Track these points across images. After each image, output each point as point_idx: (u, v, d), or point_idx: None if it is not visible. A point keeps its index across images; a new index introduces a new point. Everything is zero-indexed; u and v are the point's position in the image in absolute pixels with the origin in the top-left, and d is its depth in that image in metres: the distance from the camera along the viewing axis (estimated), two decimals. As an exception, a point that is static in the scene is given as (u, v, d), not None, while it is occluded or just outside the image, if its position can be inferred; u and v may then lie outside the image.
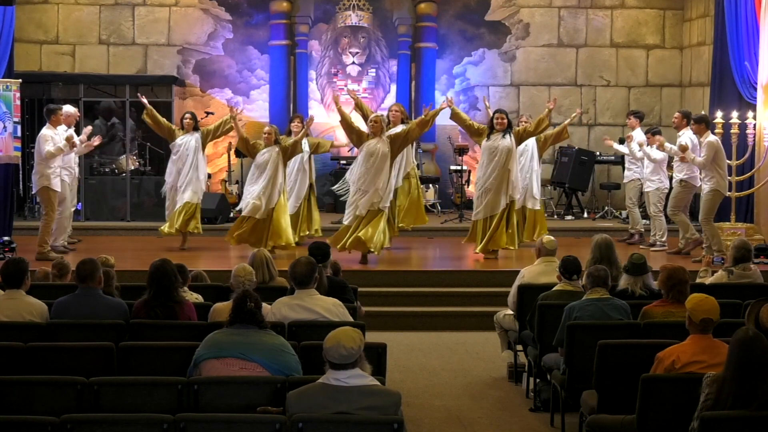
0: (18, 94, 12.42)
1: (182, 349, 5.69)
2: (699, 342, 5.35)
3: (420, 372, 8.63)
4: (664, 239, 12.63)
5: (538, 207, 12.87)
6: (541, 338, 7.20)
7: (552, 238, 8.59)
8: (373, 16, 16.49)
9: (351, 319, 6.51)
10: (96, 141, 12.69)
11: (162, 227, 12.54)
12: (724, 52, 13.62)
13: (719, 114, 12.72)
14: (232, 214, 14.61)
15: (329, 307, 6.39)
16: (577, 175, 15.54)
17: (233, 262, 9.97)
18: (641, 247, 12.55)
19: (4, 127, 12.10)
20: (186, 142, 12.39)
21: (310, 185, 12.85)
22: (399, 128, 11.89)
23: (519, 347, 8.18)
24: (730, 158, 12.67)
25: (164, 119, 12.72)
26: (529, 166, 12.68)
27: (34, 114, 14.33)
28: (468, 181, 15.97)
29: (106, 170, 15.10)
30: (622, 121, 16.07)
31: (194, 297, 7.13)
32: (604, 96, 16.61)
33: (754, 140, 12.74)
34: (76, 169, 12.50)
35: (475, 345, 9.55)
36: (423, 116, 11.48)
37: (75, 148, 12.00)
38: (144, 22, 16.11)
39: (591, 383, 6.08)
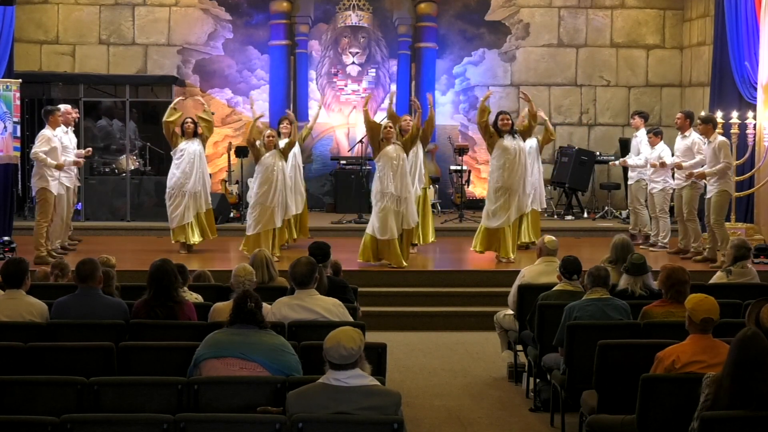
0: (18, 94, 12.42)
1: (182, 349, 5.69)
2: (699, 342, 5.36)
3: (420, 372, 8.63)
4: (666, 240, 12.58)
5: (539, 208, 12.94)
6: (541, 338, 7.20)
7: (554, 238, 8.60)
8: (373, 16, 16.49)
9: (351, 319, 6.51)
10: (85, 153, 12.68)
11: (179, 236, 12.39)
12: (724, 52, 13.61)
13: (719, 114, 12.71)
14: (232, 215, 14.62)
15: (329, 307, 6.40)
16: (577, 175, 15.54)
17: (234, 262, 9.97)
18: (641, 246, 12.52)
19: (4, 127, 12.10)
20: (187, 147, 12.35)
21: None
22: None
23: (519, 347, 8.19)
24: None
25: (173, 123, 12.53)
26: (536, 167, 12.77)
27: (34, 114, 14.33)
28: (468, 181, 15.98)
29: (106, 170, 15.11)
30: (621, 121, 16.10)
31: (194, 297, 7.14)
32: (604, 96, 16.61)
33: (754, 140, 12.74)
34: (75, 170, 12.49)
35: (475, 345, 9.55)
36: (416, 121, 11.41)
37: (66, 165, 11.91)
38: (144, 22, 16.11)
39: (591, 383, 6.08)
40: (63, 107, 12.23)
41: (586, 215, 15.56)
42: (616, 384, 5.86)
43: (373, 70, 16.48)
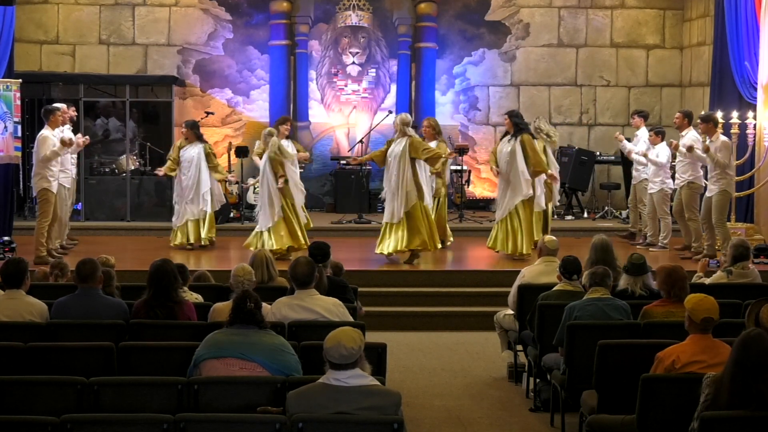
0: (18, 94, 12.42)
1: (182, 349, 5.69)
2: (699, 342, 5.36)
3: (420, 372, 8.63)
4: (666, 240, 12.53)
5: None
6: (541, 338, 7.20)
7: (554, 238, 8.61)
8: (373, 16, 16.49)
9: (351, 319, 6.51)
10: (83, 140, 12.64)
11: (179, 239, 12.64)
12: (724, 52, 13.61)
13: (719, 114, 12.71)
14: (232, 215, 14.62)
15: (329, 307, 6.40)
16: (577, 175, 15.54)
17: (233, 262, 9.97)
18: (638, 246, 12.50)
19: (5, 127, 12.10)
20: (187, 153, 12.60)
21: None
22: (433, 144, 12.12)
23: (519, 347, 8.18)
24: (729, 158, 12.68)
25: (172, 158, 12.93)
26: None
27: (34, 114, 14.32)
28: (468, 181, 15.98)
29: (106, 170, 15.10)
30: (622, 121, 16.09)
31: (194, 297, 7.14)
32: (604, 96, 16.61)
33: (754, 140, 12.74)
34: (74, 170, 12.48)
35: (475, 345, 9.55)
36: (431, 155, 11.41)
37: (71, 147, 11.96)
38: (144, 22, 16.11)
39: (591, 383, 6.08)
40: (62, 106, 12.23)
41: (586, 215, 15.56)
42: (616, 384, 5.85)
43: (373, 70, 16.48)
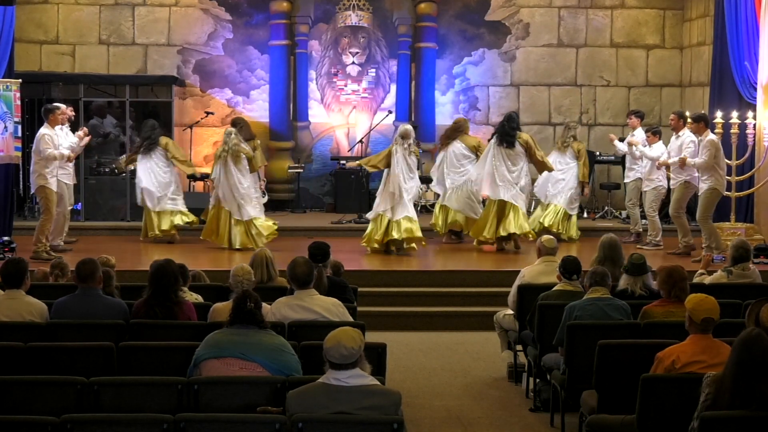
0: (18, 94, 12.42)
1: (182, 349, 5.69)
2: (699, 342, 5.36)
3: (420, 372, 8.63)
4: (658, 239, 12.59)
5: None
6: (541, 338, 7.20)
7: (551, 237, 8.62)
8: (373, 16, 16.49)
9: (351, 319, 6.51)
10: (85, 139, 12.65)
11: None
12: (723, 52, 13.61)
13: (719, 114, 12.72)
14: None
15: (329, 307, 6.40)
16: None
17: (233, 262, 9.97)
18: (637, 246, 12.52)
19: (5, 127, 12.10)
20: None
21: None
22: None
23: (519, 347, 8.18)
24: (730, 158, 12.68)
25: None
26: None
27: (34, 114, 14.32)
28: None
29: (106, 170, 15.09)
30: (622, 121, 16.06)
31: (194, 297, 7.13)
32: (604, 96, 16.61)
33: (754, 140, 12.74)
34: (72, 168, 12.48)
35: (475, 345, 9.55)
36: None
37: (76, 149, 12.06)
38: (144, 22, 16.11)
39: (591, 383, 6.08)
40: (62, 106, 12.24)
41: (586, 215, 15.55)
42: (616, 384, 5.85)
43: (373, 70, 16.48)
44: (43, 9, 15.94)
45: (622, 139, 13.48)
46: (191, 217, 13.21)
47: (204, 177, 15.62)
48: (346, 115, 16.52)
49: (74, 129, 12.71)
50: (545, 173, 13.09)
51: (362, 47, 16.41)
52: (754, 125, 12.68)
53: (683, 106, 15.94)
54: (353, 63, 16.41)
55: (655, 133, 12.65)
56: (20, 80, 12.75)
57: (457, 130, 13.17)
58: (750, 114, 12.69)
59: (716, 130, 12.63)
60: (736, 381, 4.65)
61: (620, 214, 15.06)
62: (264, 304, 5.74)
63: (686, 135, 12.03)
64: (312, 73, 16.48)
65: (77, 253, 11.84)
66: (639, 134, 12.95)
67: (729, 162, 12.68)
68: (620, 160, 15.35)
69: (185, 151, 15.10)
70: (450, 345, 9.62)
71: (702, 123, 11.71)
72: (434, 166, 13.30)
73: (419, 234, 12.04)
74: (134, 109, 15.39)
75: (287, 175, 16.25)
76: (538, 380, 7.54)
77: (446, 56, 16.46)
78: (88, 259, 6.76)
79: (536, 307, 7.23)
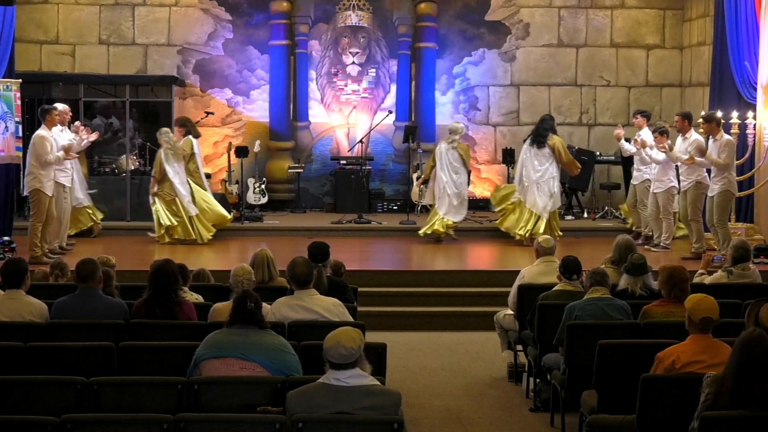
0: (18, 94, 12.41)
1: (182, 349, 5.69)
2: (699, 342, 5.36)
3: (420, 372, 8.63)
4: (669, 242, 12.44)
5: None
6: (541, 338, 7.20)
7: (549, 237, 8.63)
8: (373, 16, 16.49)
9: (351, 319, 6.51)
10: (92, 136, 12.65)
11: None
12: (723, 52, 13.60)
13: (719, 114, 12.70)
14: (232, 214, 14.59)
15: (329, 307, 6.40)
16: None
17: (234, 262, 9.96)
18: (646, 247, 12.44)
19: (6, 127, 12.09)
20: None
21: None
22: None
23: (519, 347, 8.18)
24: (730, 158, 12.68)
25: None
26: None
27: (34, 114, 14.29)
28: (468, 181, 15.95)
29: (106, 170, 15.10)
30: (622, 121, 16.05)
31: (194, 297, 7.13)
32: (604, 96, 16.61)
33: (754, 140, 12.73)
34: (72, 168, 12.45)
35: (475, 345, 9.55)
36: None
37: (76, 148, 12.03)
38: (144, 22, 16.12)
39: (591, 383, 6.08)
40: (61, 106, 12.22)
41: (586, 215, 15.55)
42: (616, 384, 5.85)
43: (373, 70, 16.48)
44: (43, 9, 15.95)
45: (627, 140, 13.34)
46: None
47: (205, 177, 15.62)
48: (346, 115, 16.52)
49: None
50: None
51: (362, 47, 16.42)
52: (755, 125, 12.67)
53: (683, 106, 15.94)
54: (353, 63, 16.42)
55: (662, 133, 12.34)
56: (20, 80, 12.74)
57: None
58: (750, 114, 12.68)
59: (721, 128, 12.61)
60: (737, 381, 4.65)
61: (620, 214, 15.04)
62: (264, 304, 5.74)
63: (694, 136, 11.90)
64: (312, 73, 16.48)
65: (77, 253, 11.85)
66: (645, 134, 12.79)
67: (729, 162, 12.68)
68: (620, 161, 15.34)
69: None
70: (450, 345, 9.62)
71: (714, 123, 11.62)
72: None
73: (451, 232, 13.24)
74: (134, 109, 15.39)
75: (287, 175, 16.26)
76: (538, 380, 7.54)
77: (446, 56, 16.47)
78: (88, 259, 6.76)
79: (536, 307, 7.23)
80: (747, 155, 12.85)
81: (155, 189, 13.04)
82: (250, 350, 5.30)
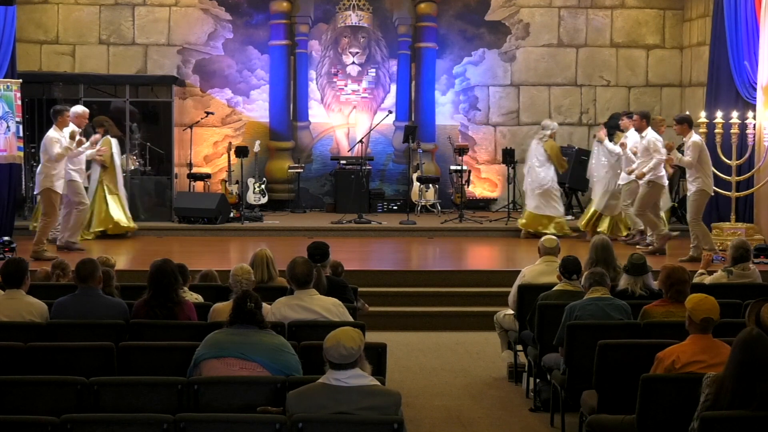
0: (19, 94, 12.42)
1: (182, 349, 5.69)
2: (699, 342, 5.36)
3: (420, 372, 8.63)
4: (653, 237, 12.47)
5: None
6: (541, 338, 7.20)
7: (553, 237, 8.60)
8: (373, 16, 16.49)
9: (351, 318, 6.51)
10: (101, 149, 12.74)
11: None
12: (722, 52, 13.58)
13: (719, 114, 12.71)
14: (232, 215, 14.61)
15: (329, 307, 6.40)
16: (577, 175, 15.49)
17: (234, 262, 9.96)
18: (638, 247, 12.47)
19: (8, 127, 12.09)
20: None
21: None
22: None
23: (519, 347, 8.18)
24: (729, 158, 12.68)
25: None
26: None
27: (34, 114, 14.33)
28: (468, 181, 15.98)
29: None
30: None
31: (194, 297, 7.13)
32: (604, 96, 16.61)
33: (754, 140, 12.73)
34: (84, 167, 12.47)
35: (475, 345, 9.54)
36: None
37: (83, 147, 11.98)
38: (144, 22, 16.11)
39: (591, 383, 6.07)
40: (80, 109, 12.11)
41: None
42: (616, 384, 5.85)
43: (373, 70, 16.48)
44: (43, 9, 15.95)
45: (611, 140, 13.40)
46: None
47: (205, 177, 15.65)
48: (346, 115, 16.52)
49: (86, 135, 12.67)
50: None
51: (362, 47, 16.42)
52: (754, 125, 12.67)
53: (683, 106, 15.95)
54: (353, 63, 16.42)
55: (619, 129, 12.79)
56: (20, 80, 12.74)
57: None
58: (750, 114, 12.68)
59: (716, 130, 12.63)
60: (738, 381, 4.65)
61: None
62: (264, 304, 5.74)
63: (650, 135, 12.10)
64: (312, 73, 16.48)
65: (79, 253, 11.85)
66: (632, 136, 12.82)
67: (729, 162, 12.68)
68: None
69: (185, 152, 15.14)
70: (450, 345, 9.62)
71: (686, 124, 11.69)
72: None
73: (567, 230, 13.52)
74: (135, 109, 15.38)
75: (287, 175, 16.26)
76: (538, 380, 7.54)
77: (446, 56, 16.47)
78: (87, 259, 6.77)
79: (536, 307, 7.23)
80: (747, 155, 12.85)
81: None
82: (250, 350, 5.30)
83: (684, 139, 11.77)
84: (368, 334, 5.76)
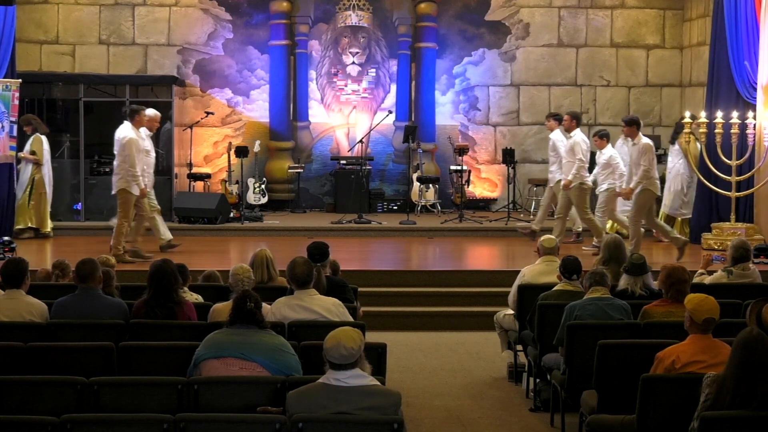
0: (17, 94, 12.43)
1: (182, 349, 5.68)
2: (699, 342, 5.36)
3: (420, 372, 8.63)
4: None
5: None
6: (541, 338, 7.20)
7: (552, 237, 8.61)
8: (373, 16, 16.50)
9: (351, 319, 6.51)
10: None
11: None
12: (722, 52, 13.57)
13: (719, 114, 12.71)
14: (232, 215, 14.61)
15: (329, 307, 6.40)
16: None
17: (233, 262, 9.96)
18: (584, 248, 12.51)
19: (2, 126, 12.10)
20: None
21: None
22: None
23: (519, 347, 8.18)
24: (730, 158, 12.67)
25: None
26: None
27: (34, 114, 14.31)
28: (468, 181, 15.98)
29: (107, 170, 15.07)
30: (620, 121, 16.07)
31: (194, 297, 7.13)
32: (604, 96, 16.62)
33: (754, 140, 12.73)
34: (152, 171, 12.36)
35: (475, 345, 9.54)
36: None
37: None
38: (144, 22, 16.12)
39: (591, 383, 6.07)
40: (152, 112, 11.96)
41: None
42: (616, 384, 5.85)
43: (373, 70, 16.48)
44: (43, 9, 15.95)
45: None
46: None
47: (205, 177, 15.67)
48: (346, 115, 16.52)
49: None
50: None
51: (362, 47, 16.42)
52: (754, 125, 12.67)
53: (683, 106, 15.95)
54: (353, 63, 16.42)
55: (602, 136, 12.67)
56: (20, 80, 12.75)
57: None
58: (750, 114, 12.68)
59: (716, 130, 12.62)
60: (738, 381, 4.65)
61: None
62: (264, 304, 5.73)
63: (577, 135, 12.30)
64: (312, 73, 16.48)
65: (77, 253, 11.84)
66: (555, 136, 12.88)
67: (729, 162, 12.68)
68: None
69: (185, 152, 15.12)
70: (450, 345, 9.62)
71: (634, 126, 11.72)
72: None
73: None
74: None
75: (287, 175, 16.26)
76: (538, 380, 7.54)
77: (446, 56, 16.47)
78: (87, 259, 6.76)
79: (536, 307, 7.23)
80: (747, 155, 12.85)
81: None
82: (250, 350, 5.30)
83: (633, 141, 11.72)
84: (368, 334, 5.76)
